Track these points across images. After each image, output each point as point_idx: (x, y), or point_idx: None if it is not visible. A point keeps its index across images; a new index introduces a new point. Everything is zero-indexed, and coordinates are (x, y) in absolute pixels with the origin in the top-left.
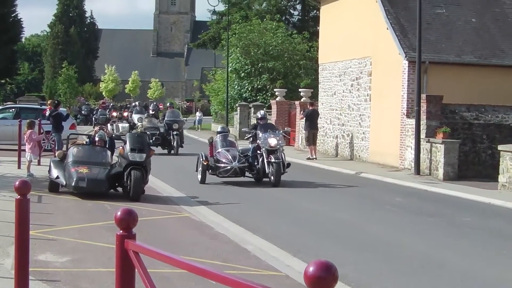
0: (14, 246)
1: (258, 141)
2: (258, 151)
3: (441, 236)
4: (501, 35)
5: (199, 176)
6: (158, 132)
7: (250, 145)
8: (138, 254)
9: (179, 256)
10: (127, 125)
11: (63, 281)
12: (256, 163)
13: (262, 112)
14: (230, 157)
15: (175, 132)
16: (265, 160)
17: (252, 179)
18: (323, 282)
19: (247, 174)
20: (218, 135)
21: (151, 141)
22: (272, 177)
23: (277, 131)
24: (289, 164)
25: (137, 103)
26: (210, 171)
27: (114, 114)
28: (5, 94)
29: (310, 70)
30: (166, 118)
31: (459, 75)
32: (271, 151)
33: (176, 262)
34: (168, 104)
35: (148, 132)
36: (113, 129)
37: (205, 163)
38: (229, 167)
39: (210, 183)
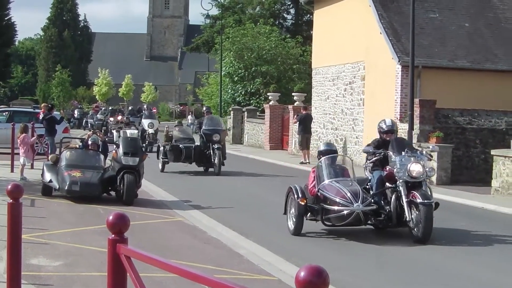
0: (6, 250)
1: (389, 167)
2: (388, 184)
3: (435, 241)
4: (494, 40)
5: (291, 224)
6: (194, 145)
7: (368, 174)
8: (130, 259)
9: (171, 261)
10: (136, 131)
11: (55, 285)
12: (384, 203)
13: (388, 121)
14: (348, 194)
15: (216, 146)
16: (404, 200)
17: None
18: (314, 286)
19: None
20: (323, 158)
21: (182, 156)
22: (415, 229)
23: (418, 152)
24: (437, 204)
25: (145, 106)
26: (309, 215)
27: (119, 118)
28: None
29: (304, 75)
30: (204, 127)
31: (452, 80)
32: (413, 184)
33: (167, 267)
34: (204, 108)
35: (181, 145)
36: (119, 136)
37: (303, 203)
38: (347, 212)
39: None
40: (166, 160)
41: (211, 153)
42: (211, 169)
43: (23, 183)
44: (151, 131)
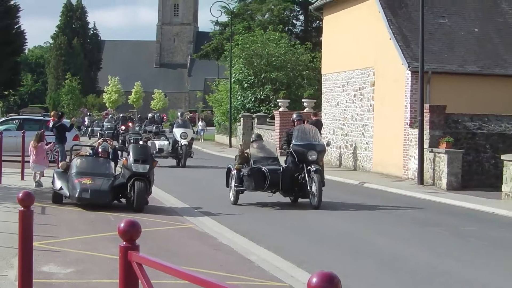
0: (17, 257)
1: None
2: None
3: (445, 246)
4: (504, 44)
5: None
6: (281, 167)
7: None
8: (141, 266)
9: (182, 268)
10: (166, 142)
11: None
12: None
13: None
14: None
15: (313, 167)
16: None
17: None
18: None
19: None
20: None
21: (266, 183)
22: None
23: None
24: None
25: (179, 113)
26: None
27: (130, 125)
28: (8, 106)
29: (313, 81)
30: (294, 142)
31: (462, 85)
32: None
33: (179, 273)
34: (294, 116)
35: (264, 168)
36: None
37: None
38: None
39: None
40: (242, 188)
41: (306, 178)
42: (302, 200)
43: (34, 190)
44: (184, 142)
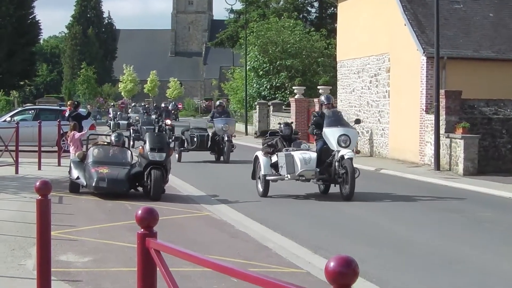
0: (35, 247)
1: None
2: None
3: (462, 232)
4: None
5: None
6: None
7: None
8: (159, 253)
9: (202, 254)
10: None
11: (85, 281)
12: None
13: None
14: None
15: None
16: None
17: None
18: (344, 277)
19: None
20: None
21: None
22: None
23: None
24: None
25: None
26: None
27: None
28: (24, 96)
29: (329, 68)
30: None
31: (477, 70)
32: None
33: (198, 260)
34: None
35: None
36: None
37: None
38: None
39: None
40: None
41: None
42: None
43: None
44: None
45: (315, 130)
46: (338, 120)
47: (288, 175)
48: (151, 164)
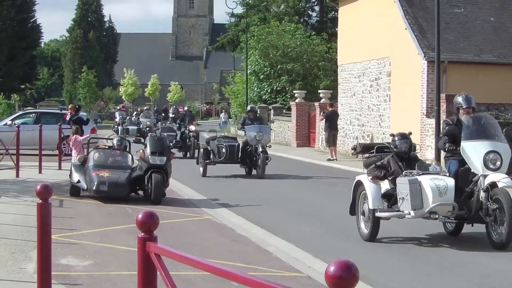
0: (36, 250)
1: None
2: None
3: (463, 236)
4: None
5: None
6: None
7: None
8: (160, 257)
9: (202, 258)
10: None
11: (85, 285)
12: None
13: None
14: None
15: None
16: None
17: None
18: (344, 281)
19: None
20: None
21: None
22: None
23: None
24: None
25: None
26: None
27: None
28: (25, 99)
29: (329, 71)
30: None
31: (478, 74)
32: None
33: (198, 264)
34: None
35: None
36: None
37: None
38: None
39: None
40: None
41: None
42: None
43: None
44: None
45: (447, 144)
46: (483, 130)
47: (412, 212)
48: (152, 167)
